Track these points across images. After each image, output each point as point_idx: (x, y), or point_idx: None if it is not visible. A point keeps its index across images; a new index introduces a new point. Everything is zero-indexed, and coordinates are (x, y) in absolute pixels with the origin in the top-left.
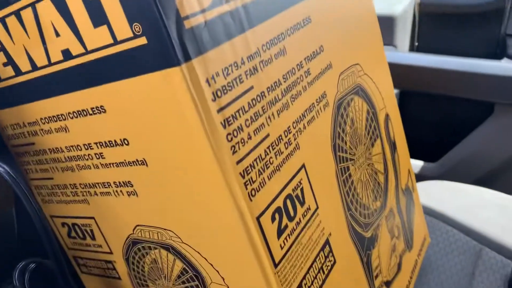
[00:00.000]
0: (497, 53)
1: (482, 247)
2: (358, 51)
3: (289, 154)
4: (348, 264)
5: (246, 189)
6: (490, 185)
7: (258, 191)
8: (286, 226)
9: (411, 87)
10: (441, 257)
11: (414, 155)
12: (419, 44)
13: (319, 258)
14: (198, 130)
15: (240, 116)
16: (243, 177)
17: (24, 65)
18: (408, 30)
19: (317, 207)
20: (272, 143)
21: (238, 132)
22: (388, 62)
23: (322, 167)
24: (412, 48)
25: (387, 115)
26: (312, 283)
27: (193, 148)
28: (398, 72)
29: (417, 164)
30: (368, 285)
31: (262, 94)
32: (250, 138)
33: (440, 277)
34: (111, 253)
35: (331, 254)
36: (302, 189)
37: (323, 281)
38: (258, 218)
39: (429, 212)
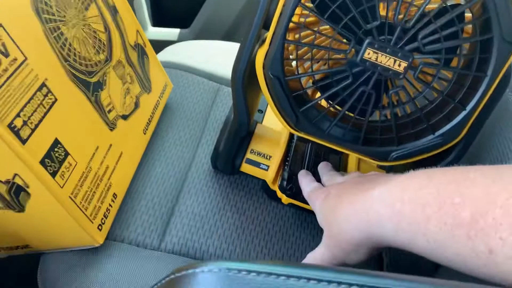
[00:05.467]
0: None
1: (220, 86)
2: None
3: None
4: (73, 101)
5: None
6: (232, 38)
7: None
8: None
9: None
10: (186, 98)
11: (171, 24)
12: None
13: (37, 97)
14: None
15: None
16: None
17: None
18: None
19: (26, 58)
20: None
21: None
22: None
23: (26, 26)
24: None
25: None
26: (31, 115)
27: None
28: None
29: (175, 32)
30: (101, 117)
31: None
32: None
33: (185, 110)
34: None
35: (50, 93)
36: (3, 44)
37: (45, 114)
38: None
39: (177, 66)
